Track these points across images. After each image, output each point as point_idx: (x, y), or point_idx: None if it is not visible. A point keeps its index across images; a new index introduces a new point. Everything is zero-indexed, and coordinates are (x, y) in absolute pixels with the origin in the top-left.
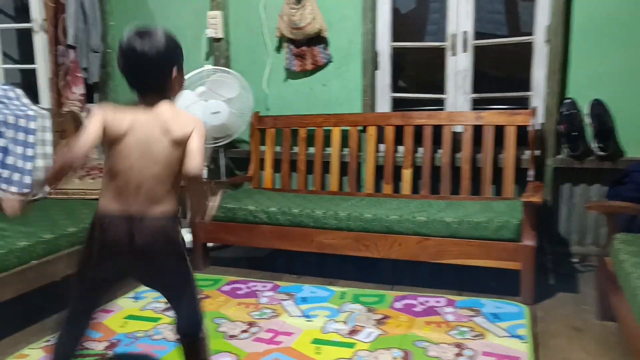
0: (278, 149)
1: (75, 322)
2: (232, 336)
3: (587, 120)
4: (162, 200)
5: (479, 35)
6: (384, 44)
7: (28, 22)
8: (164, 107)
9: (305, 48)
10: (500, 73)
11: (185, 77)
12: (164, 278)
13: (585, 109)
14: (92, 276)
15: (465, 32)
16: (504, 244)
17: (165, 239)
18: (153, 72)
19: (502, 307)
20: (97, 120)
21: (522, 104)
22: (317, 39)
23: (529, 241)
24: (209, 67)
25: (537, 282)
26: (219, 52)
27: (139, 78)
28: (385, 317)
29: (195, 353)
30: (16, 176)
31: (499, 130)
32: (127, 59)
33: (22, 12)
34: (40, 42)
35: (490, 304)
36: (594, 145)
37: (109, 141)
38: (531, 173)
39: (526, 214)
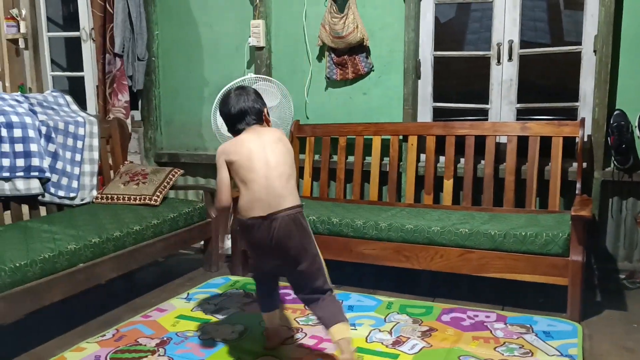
0: (317, 157)
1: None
2: None
3: (637, 132)
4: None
5: (521, 43)
6: (427, 52)
7: (76, 31)
8: (264, 129)
9: (347, 57)
10: (545, 83)
11: (228, 85)
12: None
13: (635, 120)
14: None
15: (511, 41)
16: (551, 258)
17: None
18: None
19: (555, 325)
20: (222, 164)
21: (568, 114)
22: (359, 48)
23: (577, 256)
24: (251, 75)
25: (583, 299)
26: (260, 60)
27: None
28: (431, 329)
29: (332, 303)
30: (64, 180)
31: (545, 142)
32: (233, 109)
33: (70, 21)
34: (88, 51)
35: (543, 321)
36: None
37: (237, 167)
38: (578, 186)
39: (575, 229)
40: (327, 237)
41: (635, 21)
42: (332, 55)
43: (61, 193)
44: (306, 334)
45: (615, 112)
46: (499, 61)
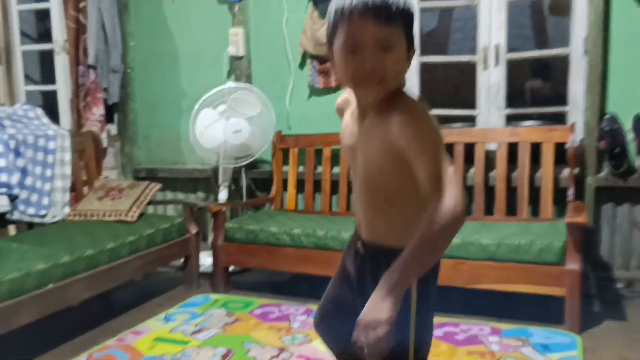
0: (301, 169)
1: None
2: None
3: (630, 135)
4: None
5: (508, 48)
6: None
7: (50, 44)
8: None
9: (330, 64)
10: (533, 87)
11: (206, 95)
12: None
13: (627, 124)
14: None
15: (497, 45)
16: (546, 268)
17: None
18: None
19: (552, 337)
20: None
21: (558, 119)
22: None
23: (573, 265)
24: (230, 84)
25: (581, 309)
26: (240, 69)
27: None
28: None
29: None
30: (34, 197)
31: (535, 148)
32: None
33: (44, 34)
34: (62, 63)
35: (539, 333)
36: (638, 162)
37: None
38: (571, 192)
39: (570, 236)
40: (313, 250)
41: (625, 21)
42: (315, 62)
43: (31, 211)
44: (292, 354)
45: (607, 116)
46: (485, 66)
